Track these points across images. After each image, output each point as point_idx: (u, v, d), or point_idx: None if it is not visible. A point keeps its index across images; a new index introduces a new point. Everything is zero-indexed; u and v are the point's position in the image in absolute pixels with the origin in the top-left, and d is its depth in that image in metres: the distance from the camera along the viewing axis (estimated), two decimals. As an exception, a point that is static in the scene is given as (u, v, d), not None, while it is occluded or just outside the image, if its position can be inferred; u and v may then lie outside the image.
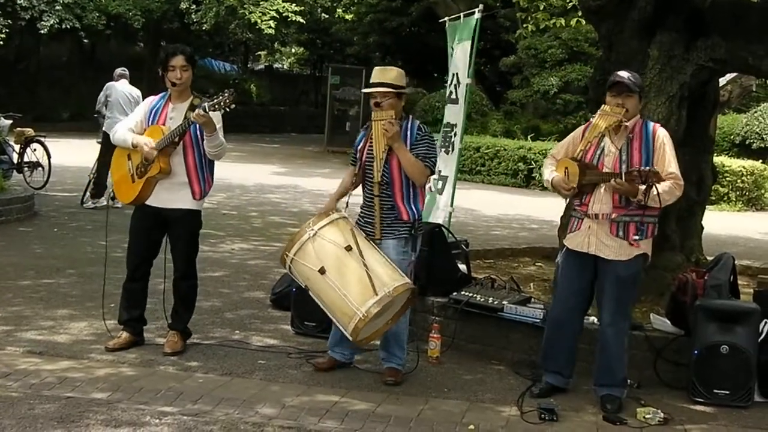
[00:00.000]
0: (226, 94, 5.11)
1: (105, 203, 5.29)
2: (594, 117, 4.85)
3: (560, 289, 5.04)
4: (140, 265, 5.47)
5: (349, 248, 4.76)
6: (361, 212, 5.13)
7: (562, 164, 4.89)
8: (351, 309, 4.64)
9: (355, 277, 4.69)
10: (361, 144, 5.15)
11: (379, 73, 5.04)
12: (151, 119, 5.38)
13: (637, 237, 4.69)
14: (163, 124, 5.30)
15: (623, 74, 4.81)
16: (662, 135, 4.78)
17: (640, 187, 4.55)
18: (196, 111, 5.07)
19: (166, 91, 5.45)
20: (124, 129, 5.43)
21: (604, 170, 4.74)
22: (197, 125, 5.19)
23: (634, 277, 4.78)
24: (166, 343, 5.40)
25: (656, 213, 4.74)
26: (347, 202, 5.14)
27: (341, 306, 4.70)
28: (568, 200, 5.00)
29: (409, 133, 4.99)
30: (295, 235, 4.90)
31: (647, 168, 4.54)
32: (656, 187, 4.53)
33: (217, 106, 5.10)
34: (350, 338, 4.78)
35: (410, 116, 5.11)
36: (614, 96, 4.75)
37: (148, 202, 5.36)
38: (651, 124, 4.85)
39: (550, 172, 4.95)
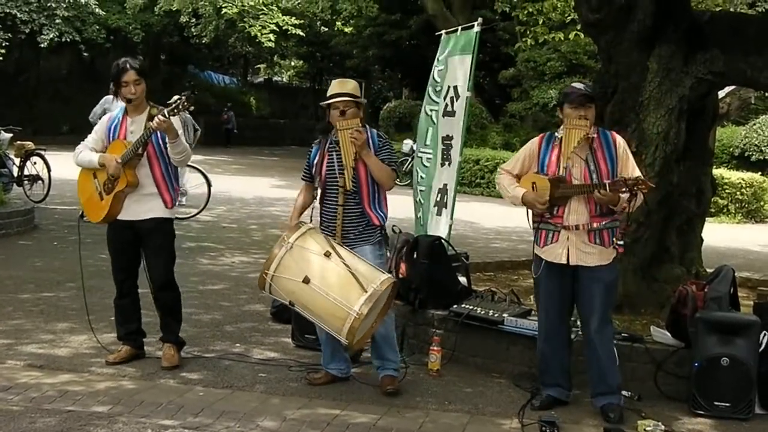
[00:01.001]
0: (183, 97, 5.12)
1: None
2: (560, 131, 4.85)
3: (543, 303, 5.02)
4: (125, 280, 5.47)
5: (328, 254, 4.78)
6: (324, 224, 5.13)
7: (528, 180, 4.89)
8: (344, 311, 4.64)
9: (342, 280, 4.71)
10: (317, 158, 5.16)
11: (338, 85, 5.13)
12: (111, 136, 5.34)
13: (620, 241, 4.76)
14: (125, 139, 5.27)
15: (580, 86, 4.88)
16: (622, 142, 4.86)
17: (622, 195, 4.62)
18: (156, 118, 5.06)
19: (121, 107, 5.43)
20: (86, 150, 5.39)
21: (573, 181, 4.75)
22: (158, 134, 5.19)
23: (615, 282, 4.93)
24: (163, 357, 5.39)
25: (621, 217, 4.80)
26: (311, 215, 5.20)
27: (332, 310, 4.69)
28: (532, 214, 4.92)
29: (371, 141, 5.08)
30: (271, 253, 4.88)
31: (635, 177, 4.62)
32: (642, 194, 4.59)
33: (176, 110, 5.10)
34: (345, 342, 4.77)
35: (366, 125, 5.18)
36: (576, 108, 4.75)
37: (119, 217, 5.32)
38: (608, 132, 4.90)
39: (515, 188, 4.92)
